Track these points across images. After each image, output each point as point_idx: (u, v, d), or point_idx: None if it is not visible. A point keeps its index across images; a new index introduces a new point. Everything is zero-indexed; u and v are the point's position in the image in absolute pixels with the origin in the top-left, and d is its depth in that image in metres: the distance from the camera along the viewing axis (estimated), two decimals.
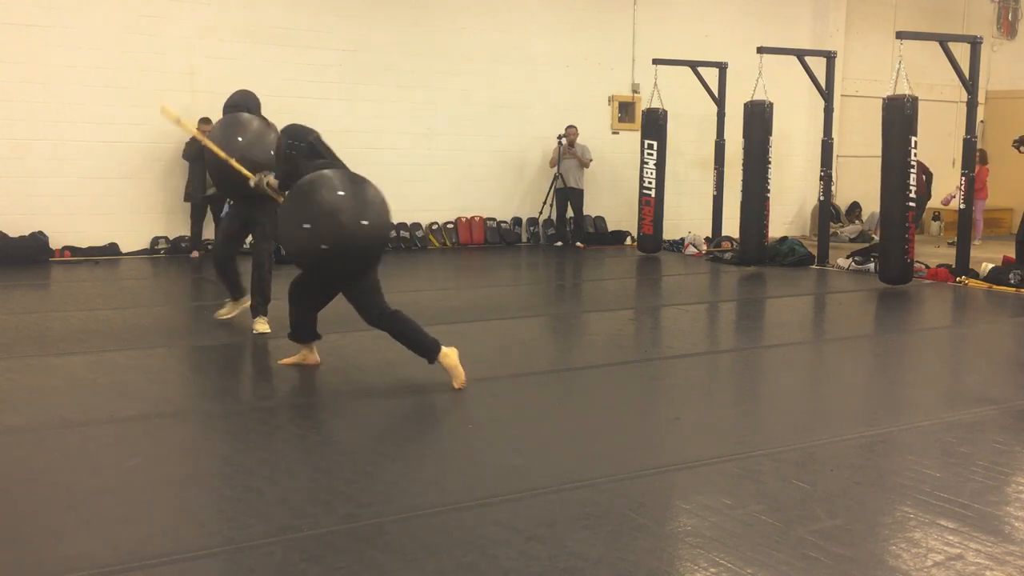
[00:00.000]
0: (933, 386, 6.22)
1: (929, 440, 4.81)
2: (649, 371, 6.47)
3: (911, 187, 10.12)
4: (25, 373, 5.85)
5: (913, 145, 10.08)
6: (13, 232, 10.84)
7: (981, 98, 13.38)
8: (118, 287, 9.67)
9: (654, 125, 13.23)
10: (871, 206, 15.34)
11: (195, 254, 11.53)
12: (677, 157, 14.52)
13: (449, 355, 5.53)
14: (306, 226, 5.10)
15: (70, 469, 4.26)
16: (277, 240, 6.84)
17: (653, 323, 8.56)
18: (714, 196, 13.45)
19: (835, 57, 12.50)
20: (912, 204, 10.19)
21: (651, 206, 13.27)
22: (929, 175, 14.04)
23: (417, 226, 13.33)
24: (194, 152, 11.06)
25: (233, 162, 6.69)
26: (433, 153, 13.31)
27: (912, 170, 10.10)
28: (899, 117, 10.03)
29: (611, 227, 14.67)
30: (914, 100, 10.03)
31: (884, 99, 10.21)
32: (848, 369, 6.77)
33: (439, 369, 5.42)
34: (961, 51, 10.69)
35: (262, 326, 7.07)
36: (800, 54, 12.48)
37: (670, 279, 11.37)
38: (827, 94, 12.19)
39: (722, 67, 13.19)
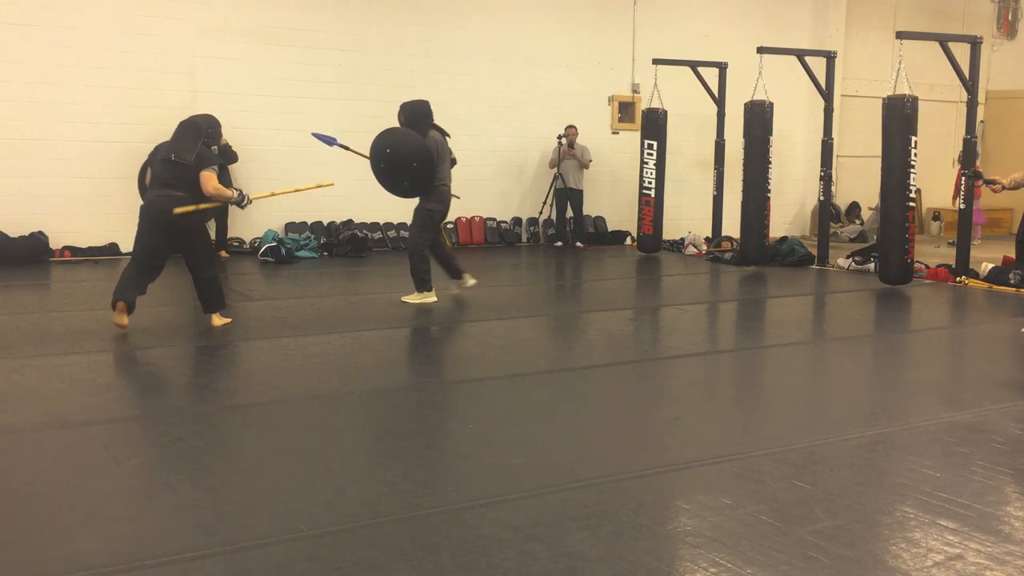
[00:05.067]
0: (933, 386, 6.21)
1: (929, 440, 4.81)
2: (649, 371, 6.47)
3: (911, 187, 10.13)
4: (25, 373, 5.84)
5: (913, 145, 10.09)
6: (13, 232, 10.83)
7: (981, 98, 13.39)
8: None
9: (654, 125, 13.22)
10: (871, 206, 15.35)
11: None
12: (677, 157, 14.51)
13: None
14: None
15: (70, 469, 4.26)
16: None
17: (653, 323, 8.55)
18: (714, 196, 13.46)
19: (835, 57, 12.49)
20: (912, 204, 10.20)
21: (651, 206, 13.27)
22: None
23: None
24: None
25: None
26: None
27: (912, 170, 10.11)
28: (899, 117, 10.04)
29: (611, 227, 14.67)
30: (914, 100, 10.03)
31: (884, 99, 10.21)
32: (848, 369, 6.77)
33: (439, 368, 5.41)
34: (961, 51, 10.68)
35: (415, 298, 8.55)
36: (800, 54, 12.48)
37: (670, 279, 11.37)
38: (827, 94, 12.18)
39: (722, 67, 13.19)
